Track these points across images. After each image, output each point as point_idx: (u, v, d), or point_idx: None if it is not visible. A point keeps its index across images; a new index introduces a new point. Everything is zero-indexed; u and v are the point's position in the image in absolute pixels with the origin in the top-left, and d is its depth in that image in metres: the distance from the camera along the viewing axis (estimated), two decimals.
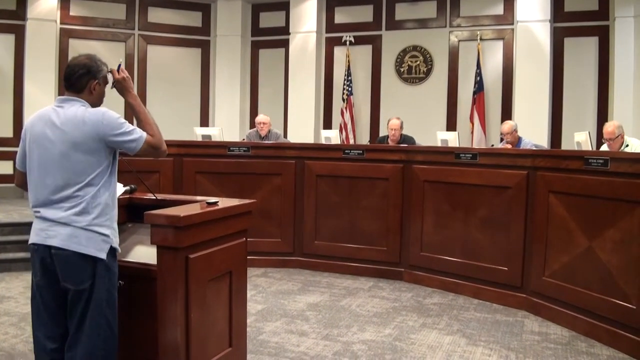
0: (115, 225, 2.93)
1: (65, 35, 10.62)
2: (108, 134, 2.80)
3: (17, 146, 3.04)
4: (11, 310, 5.17)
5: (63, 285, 2.79)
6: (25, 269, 6.34)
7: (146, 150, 2.92)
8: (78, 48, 10.65)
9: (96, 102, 2.97)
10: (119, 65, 3.16)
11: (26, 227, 6.47)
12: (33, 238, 2.83)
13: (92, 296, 2.78)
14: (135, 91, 3.12)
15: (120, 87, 3.11)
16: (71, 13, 10.72)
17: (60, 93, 2.98)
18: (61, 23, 10.59)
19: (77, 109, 2.83)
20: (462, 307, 5.50)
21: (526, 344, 4.56)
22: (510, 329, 4.89)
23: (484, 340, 4.62)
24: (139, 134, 2.89)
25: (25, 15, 10.24)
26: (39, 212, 2.81)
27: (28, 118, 2.97)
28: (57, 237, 2.74)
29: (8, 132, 10.19)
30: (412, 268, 6.31)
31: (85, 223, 2.76)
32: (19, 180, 3.01)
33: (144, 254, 3.17)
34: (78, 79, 2.89)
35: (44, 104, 3.31)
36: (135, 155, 2.93)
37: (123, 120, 2.88)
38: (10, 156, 8.29)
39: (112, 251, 2.87)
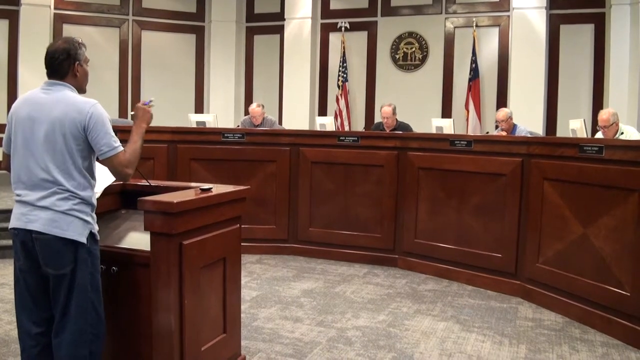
0: (94, 214, 2.91)
1: (59, 21, 10.58)
2: (89, 127, 2.78)
3: None
4: (5, 296, 5.16)
5: (44, 270, 2.78)
6: None
7: (113, 162, 2.84)
8: (72, 33, 10.51)
9: (82, 83, 2.96)
10: (150, 101, 3.20)
11: None
12: (13, 222, 2.82)
13: (74, 281, 2.78)
14: (144, 129, 3.07)
15: (138, 115, 3.10)
16: None
17: None
18: (55, 8, 10.55)
19: (65, 94, 2.82)
20: (456, 293, 5.51)
21: (520, 330, 4.57)
22: (504, 315, 4.91)
23: (477, 326, 4.63)
24: (118, 144, 2.85)
25: (19, 0, 10.18)
26: (20, 195, 2.80)
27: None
28: (37, 222, 2.74)
29: (2, 118, 10.11)
30: (407, 255, 6.32)
31: (66, 207, 2.75)
32: (4, 163, 3.01)
33: (138, 240, 3.17)
34: (60, 65, 2.87)
35: None
36: (102, 162, 2.88)
37: (109, 123, 2.86)
38: None
39: (92, 236, 2.85)
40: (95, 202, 2.93)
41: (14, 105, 2.92)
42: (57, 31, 10.41)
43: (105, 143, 2.81)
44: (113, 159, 2.84)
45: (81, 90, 2.96)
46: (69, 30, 10.60)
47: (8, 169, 2.97)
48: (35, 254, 2.77)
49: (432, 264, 6.09)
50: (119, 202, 3.62)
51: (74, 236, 2.76)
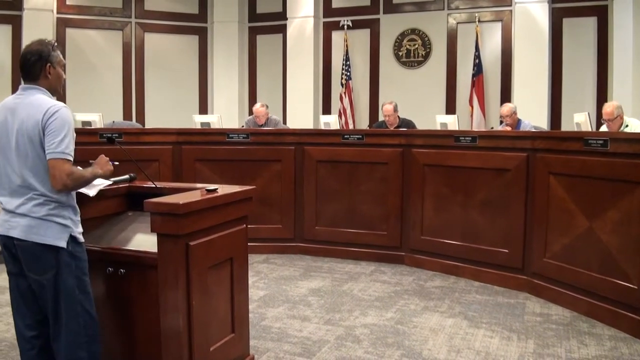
0: (76, 217, 2.88)
1: (62, 25, 10.59)
2: (46, 126, 2.71)
3: None
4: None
5: (28, 275, 2.80)
6: None
7: (57, 165, 2.68)
8: (75, 37, 10.67)
9: (55, 85, 2.91)
10: (116, 163, 3.15)
11: None
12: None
13: (59, 286, 2.78)
14: (99, 174, 2.98)
15: (100, 162, 3.02)
16: (68, 2, 10.69)
17: None
18: (58, 12, 10.56)
19: (37, 98, 2.80)
20: (463, 289, 5.51)
21: (528, 325, 4.57)
22: (512, 311, 4.90)
23: (485, 322, 4.63)
24: (68, 153, 2.72)
25: (21, 5, 10.21)
26: (1, 203, 2.82)
27: None
28: (17, 228, 2.74)
29: None
30: (413, 252, 6.32)
31: (43, 213, 2.74)
32: None
33: (145, 242, 3.17)
34: (32, 67, 2.84)
35: None
36: (47, 166, 2.74)
37: (72, 131, 2.76)
38: None
39: (74, 239, 2.83)
40: (75, 203, 2.90)
41: None
42: (60, 35, 10.43)
43: (57, 142, 2.69)
44: (59, 162, 2.69)
45: (55, 92, 2.92)
46: (72, 35, 10.63)
47: None
48: (20, 259, 2.80)
49: (439, 261, 6.09)
50: (125, 204, 3.64)
51: (53, 241, 2.75)
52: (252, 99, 11.33)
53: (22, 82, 2.89)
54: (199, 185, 3.66)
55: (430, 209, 6.16)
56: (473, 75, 9.69)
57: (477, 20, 9.74)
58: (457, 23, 10.04)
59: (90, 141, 6.24)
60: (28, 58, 2.85)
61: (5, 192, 2.80)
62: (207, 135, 7.03)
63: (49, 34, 10.17)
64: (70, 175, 2.72)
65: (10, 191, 2.78)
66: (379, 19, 10.59)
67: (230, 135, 6.83)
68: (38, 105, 2.76)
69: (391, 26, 10.49)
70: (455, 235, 5.96)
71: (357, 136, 6.58)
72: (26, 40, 9.91)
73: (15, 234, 2.74)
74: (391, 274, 6.04)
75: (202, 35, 11.65)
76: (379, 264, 6.39)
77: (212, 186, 3.34)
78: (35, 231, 2.73)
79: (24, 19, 10.18)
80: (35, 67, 2.84)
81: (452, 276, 5.92)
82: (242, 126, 8.66)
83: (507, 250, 5.55)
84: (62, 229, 2.78)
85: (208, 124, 7.56)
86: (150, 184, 3.61)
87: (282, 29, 11.09)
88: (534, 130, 6.58)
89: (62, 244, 2.77)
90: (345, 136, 6.63)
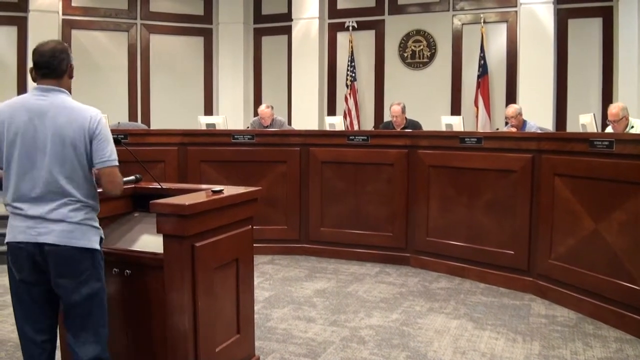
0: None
1: (67, 26, 10.64)
2: (95, 134, 2.72)
3: None
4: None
5: (57, 281, 2.72)
6: None
7: (113, 172, 2.78)
8: (81, 39, 10.70)
9: (70, 84, 2.87)
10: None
11: None
12: (18, 237, 2.70)
13: (93, 285, 2.77)
14: None
15: None
16: (73, 4, 10.74)
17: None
18: (63, 14, 10.61)
19: (65, 100, 2.75)
20: (468, 291, 5.51)
21: (533, 327, 4.57)
22: (517, 313, 4.90)
23: (491, 324, 4.63)
24: (116, 157, 2.79)
25: (27, 7, 10.26)
26: (21, 209, 2.70)
27: None
28: (50, 234, 2.67)
29: None
30: (419, 253, 6.32)
31: (79, 218, 2.72)
32: None
33: (150, 242, 3.18)
34: (59, 65, 2.77)
35: None
36: (97, 173, 2.81)
37: (111, 139, 2.81)
38: None
39: (101, 240, 2.86)
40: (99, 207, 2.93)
41: (3, 113, 2.74)
42: (65, 37, 10.46)
43: (111, 150, 2.77)
44: (115, 170, 2.79)
45: (70, 93, 2.88)
46: (77, 36, 10.68)
47: None
48: (45, 266, 2.71)
49: (444, 262, 6.08)
50: (131, 205, 3.64)
51: (91, 244, 2.75)
52: (257, 100, 11.35)
53: (38, 80, 2.79)
54: (204, 186, 3.66)
55: (435, 210, 6.16)
56: (478, 76, 9.69)
57: (482, 21, 9.74)
58: (462, 24, 10.04)
59: None
60: (56, 56, 2.76)
61: (25, 197, 2.69)
62: (212, 136, 7.04)
63: (55, 36, 10.19)
64: (122, 181, 2.86)
65: (35, 196, 2.68)
66: (384, 20, 10.60)
67: (236, 136, 6.83)
68: (79, 110, 2.73)
69: (396, 27, 10.50)
70: (460, 237, 5.95)
71: (362, 137, 6.58)
72: (32, 42, 10.02)
73: (48, 239, 2.67)
74: (396, 275, 6.04)
75: (208, 37, 11.68)
76: (384, 265, 6.39)
77: (217, 187, 3.35)
78: (73, 235, 2.70)
79: (29, 20, 10.23)
80: (62, 65, 2.78)
81: (457, 277, 5.92)
82: (248, 127, 8.67)
83: (512, 252, 5.54)
84: (95, 232, 2.80)
85: (213, 125, 7.57)
86: (156, 185, 3.62)
87: (287, 30, 11.11)
88: (539, 131, 6.57)
89: (97, 246, 2.79)
90: (351, 137, 6.63)
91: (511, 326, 4.57)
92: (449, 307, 5.05)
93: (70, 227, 2.70)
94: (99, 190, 2.89)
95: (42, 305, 2.81)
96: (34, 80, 2.81)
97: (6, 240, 2.76)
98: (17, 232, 2.71)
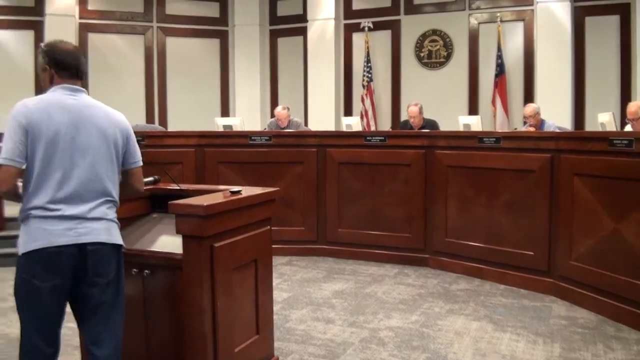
0: None
1: (84, 30, 10.70)
2: (129, 136, 2.84)
3: None
4: None
5: (94, 281, 2.65)
6: None
7: (140, 173, 2.94)
8: (97, 42, 10.76)
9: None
10: None
11: None
12: (58, 240, 2.54)
13: (121, 282, 2.78)
14: None
15: None
16: (89, 7, 10.79)
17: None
18: (80, 18, 10.66)
19: (91, 100, 2.76)
20: (488, 292, 5.46)
21: (554, 328, 4.52)
22: (538, 314, 4.85)
23: (511, 325, 4.59)
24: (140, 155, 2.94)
25: (43, 11, 10.31)
26: (58, 209, 2.56)
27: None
28: (91, 233, 2.61)
29: None
30: (437, 254, 6.28)
31: (113, 216, 2.74)
32: (12, 178, 2.56)
33: (169, 243, 3.18)
34: (85, 65, 2.80)
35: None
36: (127, 171, 2.87)
37: None
38: None
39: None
40: None
41: (33, 112, 2.57)
42: (82, 40, 10.52)
43: (139, 153, 2.90)
44: (141, 169, 2.92)
45: None
46: (93, 40, 10.73)
47: (13, 185, 2.60)
48: (81, 268, 2.61)
49: (464, 263, 6.04)
50: (150, 206, 3.64)
51: (119, 241, 2.77)
52: (274, 102, 11.36)
53: (63, 80, 2.71)
54: (222, 187, 3.66)
55: (454, 211, 6.12)
56: (495, 76, 9.64)
57: (498, 20, 9.67)
58: (479, 23, 9.98)
59: None
60: (82, 60, 2.78)
61: (60, 196, 2.57)
62: (229, 137, 7.06)
63: (71, 39, 10.20)
64: (141, 173, 2.96)
65: (71, 195, 2.59)
66: (399, 20, 10.56)
67: (253, 138, 6.84)
68: (113, 112, 2.80)
69: (412, 27, 10.46)
70: (479, 237, 5.91)
71: (379, 138, 6.55)
72: None
73: (91, 238, 2.61)
74: (415, 276, 6.01)
75: (223, 39, 11.70)
76: (403, 266, 6.36)
77: (235, 188, 3.34)
78: (111, 233, 2.71)
79: (46, 24, 10.27)
80: (86, 67, 2.81)
81: (476, 279, 5.87)
82: (264, 129, 8.67)
83: (532, 253, 5.49)
84: (119, 228, 2.81)
85: (230, 126, 7.58)
86: (174, 186, 3.61)
87: (303, 31, 11.10)
88: (557, 130, 6.52)
89: (122, 242, 2.81)
90: (368, 138, 6.61)
91: (532, 328, 4.53)
92: (469, 308, 5.01)
93: (108, 224, 2.71)
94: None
95: (59, 314, 2.67)
96: (51, 79, 2.73)
97: (36, 247, 2.53)
98: (55, 235, 2.55)
